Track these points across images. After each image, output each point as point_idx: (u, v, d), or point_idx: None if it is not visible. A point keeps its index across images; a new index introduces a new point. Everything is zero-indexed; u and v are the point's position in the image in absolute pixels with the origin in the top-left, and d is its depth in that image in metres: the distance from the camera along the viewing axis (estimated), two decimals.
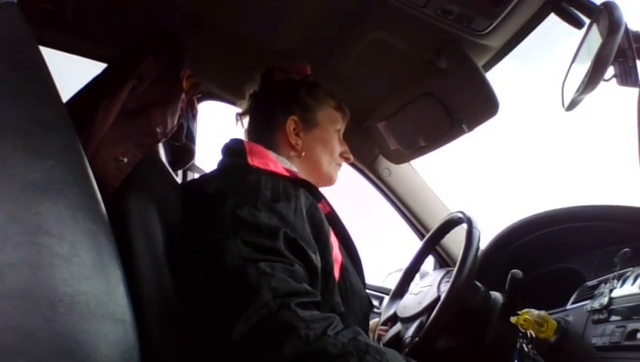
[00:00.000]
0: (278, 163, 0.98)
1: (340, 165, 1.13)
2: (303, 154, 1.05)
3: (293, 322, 0.69)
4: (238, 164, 0.95)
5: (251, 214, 0.79)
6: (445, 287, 1.07)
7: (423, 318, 1.11)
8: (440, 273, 1.29)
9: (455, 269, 1.04)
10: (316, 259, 0.84)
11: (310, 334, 0.69)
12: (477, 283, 1.11)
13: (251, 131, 1.10)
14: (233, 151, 1.00)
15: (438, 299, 1.08)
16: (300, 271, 0.78)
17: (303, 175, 1.03)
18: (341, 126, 1.13)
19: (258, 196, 0.82)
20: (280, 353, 0.67)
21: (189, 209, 0.87)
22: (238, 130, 1.15)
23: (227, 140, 1.04)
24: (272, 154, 1.00)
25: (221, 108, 1.52)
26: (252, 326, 0.69)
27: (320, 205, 0.97)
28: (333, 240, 0.95)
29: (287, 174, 0.95)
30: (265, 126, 1.07)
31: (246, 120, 1.13)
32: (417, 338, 1.02)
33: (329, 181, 1.10)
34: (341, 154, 1.12)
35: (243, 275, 0.73)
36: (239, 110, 1.17)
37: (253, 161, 0.93)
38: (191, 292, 0.79)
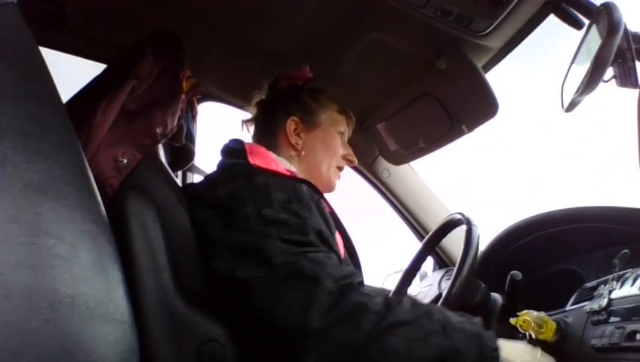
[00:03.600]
0: (280, 163, 0.99)
1: (342, 169, 1.14)
2: (303, 153, 1.06)
3: (362, 299, 0.73)
4: (239, 165, 0.94)
5: (275, 213, 0.81)
6: (446, 285, 1.07)
7: None
8: (440, 273, 1.29)
9: (456, 266, 1.05)
10: (337, 248, 0.87)
11: (381, 309, 0.73)
12: (478, 280, 1.11)
13: (255, 136, 1.12)
14: (233, 151, 1.00)
15: (439, 296, 1.09)
16: (336, 259, 0.81)
17: (302, 176, 1.03)
18: (345, 129, 1.14)
19: (270, 197, 0.83)
20: (359, 330, 0.71)
21: (200, 215, 0.86)
22: (238, 131, 1.16)
23: (227, 141, 1.05)
24: (271, 154, 1.01)
25: (221, 109, 1.52)
26: (325, 312, 0.71)
27: None
28: (338, 237, 0.96)
29: (288, 174, 0.96)
30: (267, 128, 1.09)
31: (252, 128, 1.15)
32: None
33: (327, 185, 1.10)
34: (344, 157, 1.12)
35: (298, 268, 0.75)
36: (239, 110, 1.18)
37: (255, 161, 0.94)
38: (233, 294, 0.79)
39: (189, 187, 0.96)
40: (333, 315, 0.71)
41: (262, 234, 0.78)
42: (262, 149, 1.00)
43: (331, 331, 0.71)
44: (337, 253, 0.85)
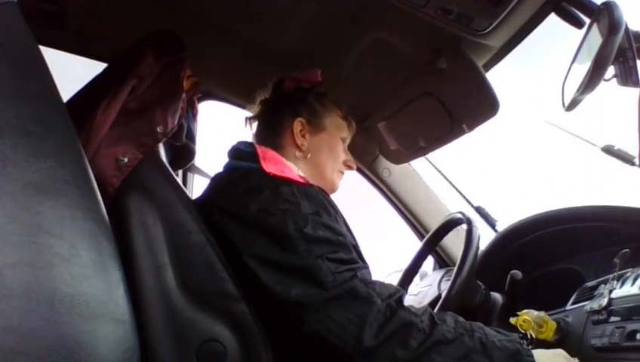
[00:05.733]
0: (293, 169, 0.99)
1: (343, 173, 1.14)
2: (309, 155, 1.06)
3: (411, 318, 0.77)
4: (253, 171, 0.94)
5: (314, 231, 0.82)
6: (446, 286, 1.07)
7: None
8: (440, 273, 1.29)
9: (455, 267, 1.05)
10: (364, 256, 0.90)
11: (425, 326, 0.77)
12: (477, 281, 1.11)
13: (259, 134, 1.12)
14: (245, 154, 0.99)
15: (438, 297, 1.09)
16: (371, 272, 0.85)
17: (307, 178, 1.03)
18: (347, 135, 1.14)
19: (300, 210, 0.84)
20: (407, 348, 0.75)
21: (228, 230, 0.87)
22: (239, 130, 1.16)
23: (235, 142, 1.05)
24: (283, 160, 1.01)
25: (221, 108, 1.52)
26: (377, 331, 0.75)
27: None
28: None
29: (303, 181, 0.95)
30: (272, 128, 1.09)
31: (255, 125, 1.15)
32: None
33: (331, 187, 1.11)
34: (344, 162, 1.13)
35: (351, 288, 0.78)
36: (239, 109, 1.18)
37: (269, 168, 0.93)
38: (281, 310, 0.81)
39: (203, 204, 0.93)
40: (384, 334, 0.75)
41: (308, 253, 0.80)
42: (273, 154, 1.00)
43: (382, 349, 0.75)
44: (367, 264, 0.88)
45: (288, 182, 0.90)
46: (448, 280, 1.08)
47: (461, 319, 0.81)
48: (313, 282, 0.78)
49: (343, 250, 0.83)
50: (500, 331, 0.83)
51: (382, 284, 0.81)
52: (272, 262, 0.82)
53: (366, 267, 0.85)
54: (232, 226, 0.87)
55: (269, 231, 0.83)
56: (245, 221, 0.86)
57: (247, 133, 1.16)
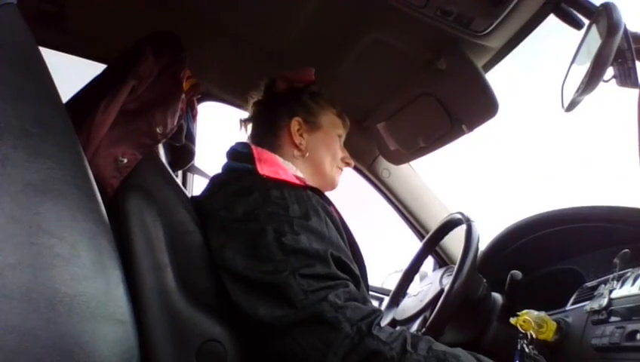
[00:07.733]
0: (288, 170, 0.98)
1: (342, 169, 1.14)
2: (307, 154, 1.06)
3: (379, 347, 0.73)
4: (247, 172, 0.93)
5: (295, 240, 0.80)
6: (447, 281, 1.07)
7: (427, 313, 1.12)
8: (440, 271, 1.30)
9: (458, 261, 1.05)
10: (355, 268, 0.86)
11: (394, 355, 0.73)
12: (479, 275, 1.11)
13: (255, 136, 1.11)
14: (240, 155, 0.99)
15: (441, 292, 1.09)
16: (354, 287, 0.81)
17: (306, 178, 1.03)
18: (342, 132, 1.15)
19: (288, 213, 0.82)
20: None
21: (215, 238, 0.86)
22: (238, 131, 1.16)
23: (233, 143, 1.04)
24: (279, 160, 1.00)
25: (221, 109, 1.52)
26: (341, 359, 0.72)
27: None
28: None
29: (298, 182, 0.95)
30: (268, 129, 1.08)
31: (249, 127, 1.14)
32: (423, 331, 1.02)
33: (331, 184, 1.11)
34: (342, 159, 1.13)
35: (319, 313, 0.74)
36: (239, 110, 1.18)
37: (263, 170, 0.92)
38: (250, 325, 0.79)
39: (199, 201, 0.93)
40: (348, 361, 0.73)
41: (282, 265, 0.78)
42: (269, 155, 0.99)
43: None
44: (355, 274, 0.85)
45: (280, 184, 0.89)
46: (450, 275, 1.08)
47: (436, 346, 0.77)
48: (283, 300, 0.76)
49: (321, 263, 0.79)
50: (473, 353, 0.80)
51: (355, 306, 0.77)
52: (243, 278, 0.80)
53: (347, 284, 0.80)
54: (218, 235, 0.85)
55: (248, 239, 0.82)
56: (226, 226, 0.84)
57: (246, 133, 1.16)
